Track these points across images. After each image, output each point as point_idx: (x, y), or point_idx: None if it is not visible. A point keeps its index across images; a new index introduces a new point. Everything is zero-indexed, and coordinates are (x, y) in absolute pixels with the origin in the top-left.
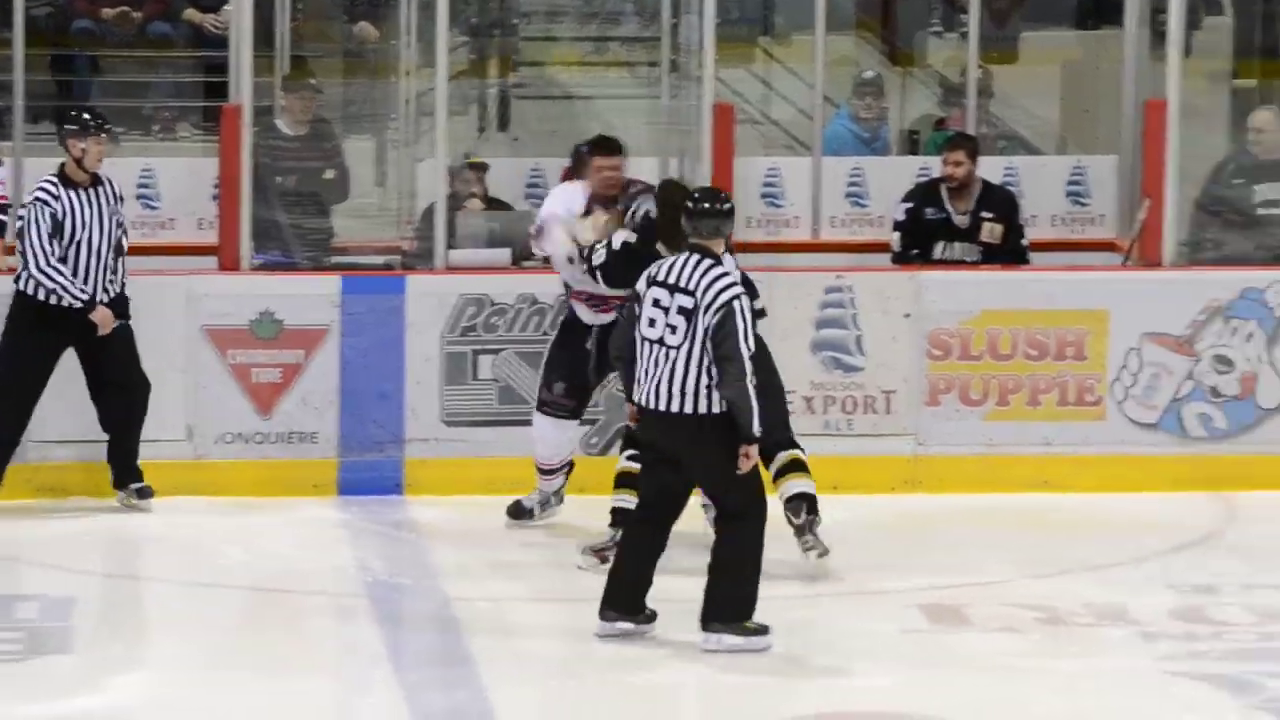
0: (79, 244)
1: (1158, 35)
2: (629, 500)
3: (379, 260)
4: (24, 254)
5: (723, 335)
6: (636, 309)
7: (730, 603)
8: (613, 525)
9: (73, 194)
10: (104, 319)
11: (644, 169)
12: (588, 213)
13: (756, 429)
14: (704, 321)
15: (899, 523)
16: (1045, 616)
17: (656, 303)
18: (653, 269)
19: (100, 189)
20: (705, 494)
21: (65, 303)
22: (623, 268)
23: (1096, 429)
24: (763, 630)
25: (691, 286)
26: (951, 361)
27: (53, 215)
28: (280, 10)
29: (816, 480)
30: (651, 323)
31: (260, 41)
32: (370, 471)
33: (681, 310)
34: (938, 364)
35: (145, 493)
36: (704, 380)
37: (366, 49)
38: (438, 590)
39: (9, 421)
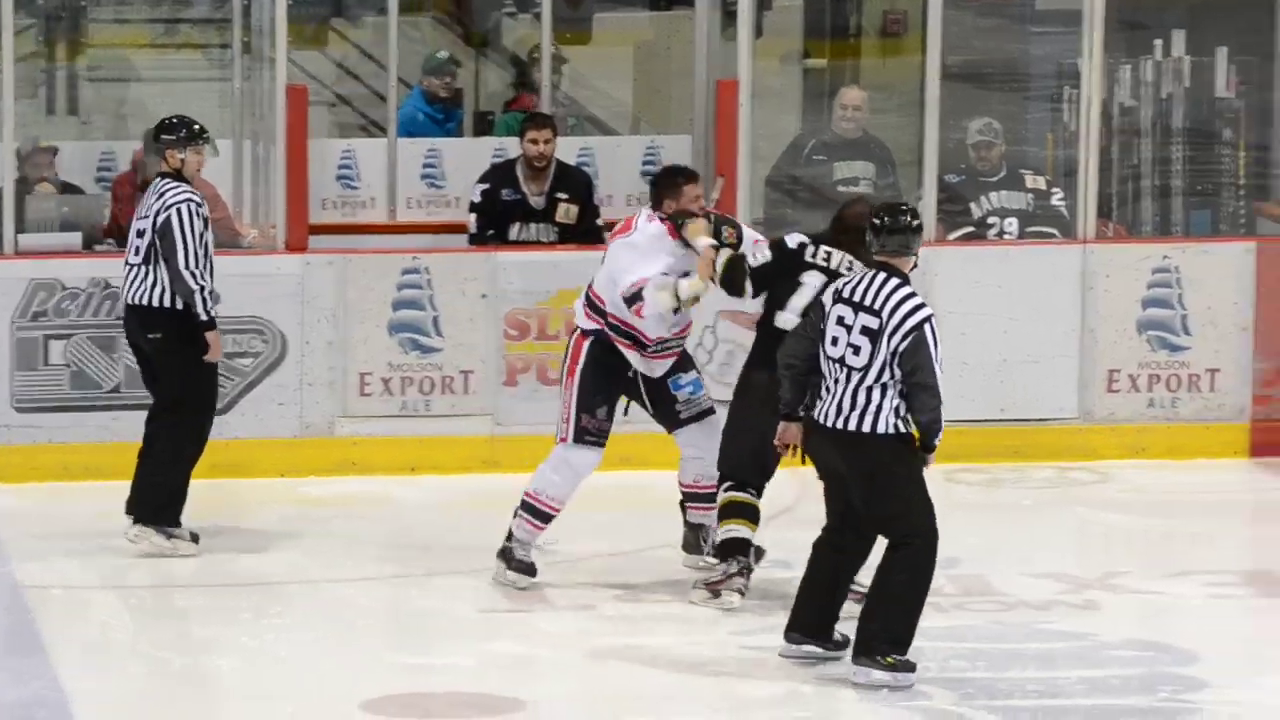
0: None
1: (729, 15)
2: (740, 530)
3: None
4: (171, 258)
5: (915, 363)
6: (821, 324)
7: (889, 635)
8: (723, 558)
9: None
10: (215, 344)
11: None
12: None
13: (937, 443)
14: (890, 344)
15: (477, 503)
16: (626, 594)
17: (840, 320)
18: (840, 284)
19: None
20: (872, 519)
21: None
22: (761, 278)
23: None
24: (911, 666)
25: (878, 306)
26: (529, 342)
27: (205, 218)
28: None
29: (395, 459)
30: (835, 341)
31: None
32: None
33: (866, 330)
34: (515, 344)
35: None
36: (886, 402)
37: None
38: (8, 577)
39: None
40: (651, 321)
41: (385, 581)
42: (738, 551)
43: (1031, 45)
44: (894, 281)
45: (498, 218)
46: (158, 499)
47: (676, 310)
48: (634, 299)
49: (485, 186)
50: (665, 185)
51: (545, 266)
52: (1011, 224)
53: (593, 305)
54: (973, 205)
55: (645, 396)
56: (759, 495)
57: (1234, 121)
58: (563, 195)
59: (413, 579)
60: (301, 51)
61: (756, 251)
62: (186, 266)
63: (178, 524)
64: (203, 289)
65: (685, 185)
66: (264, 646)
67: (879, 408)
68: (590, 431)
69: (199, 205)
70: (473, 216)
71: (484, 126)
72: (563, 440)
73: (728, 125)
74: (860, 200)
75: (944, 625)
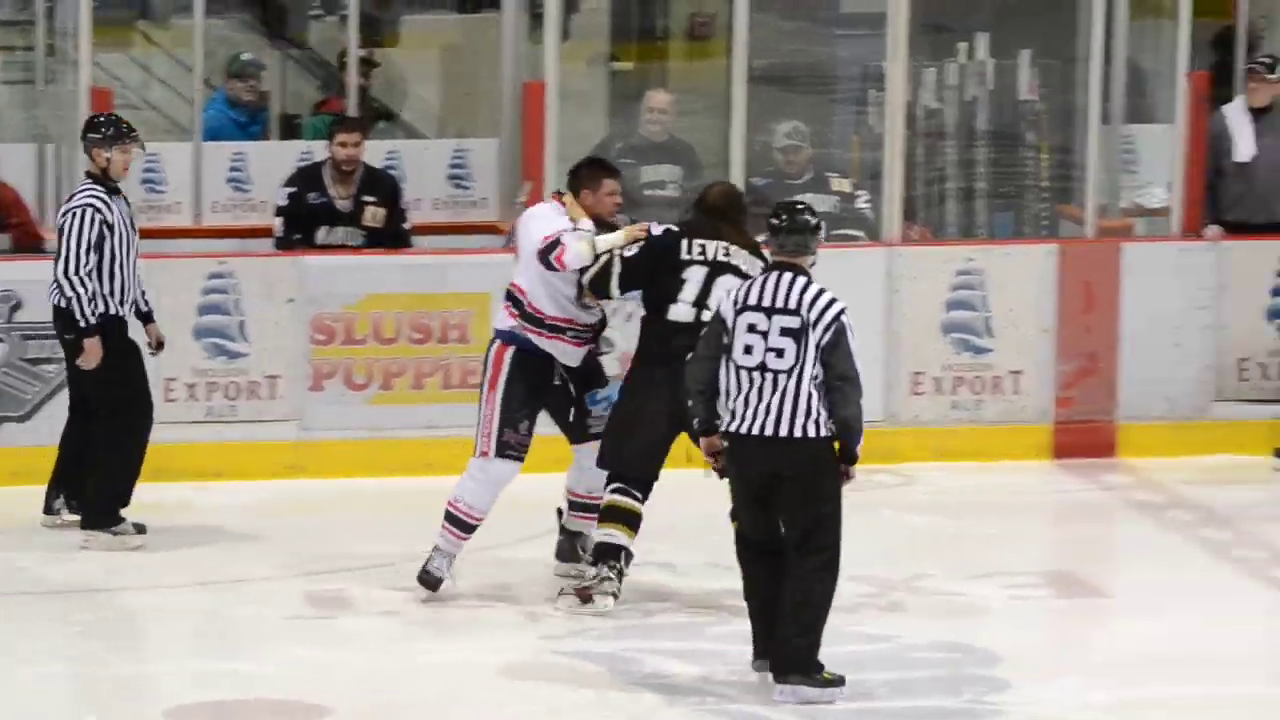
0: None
1: (536, 18)
2: (619, 536)
3: None
4: (56, 261)
5: (838, 355)
6: (724, 338)
7: (811, 650)
8: (597, 562)
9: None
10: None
11: (20, 156)
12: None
13: (859, 450)
14: (814, 340)
15: (283, 509)
16: (431, 599)
17: (752, 327)
18: (738, 293)
19: (124, 196)
20: (797, 525)
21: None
22: (636, 274)
23: None
24: (839, 681)
25: (794, 306)
26: (336, 346)
27: (103, 222)
28: None
29: (201, 464)
30: (749, 349)
31: None
32: None
33: (787, 331)
34: (322, 349)
35: None
36: (816, 404)
37: None
38: None
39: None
40: (570, 275)
41: (190, 588)
42: (612, 557)
43: (837, 48)
44: (802, 279)
45: (304, 221)
46: (102, 504)
47: (593, 263)
48: (552, 247)
49: (291, 190)
50: (586, 177)
51: (352, 270)
52: None
53: (512, 299)
54: None
55: (565, 408)
56: (644, 500)
57: (1037, 124)
58: (370, 199)
59: (218, 585)
60: (106, 54)
61: (626, 226)
62: (66, 272)
63: (120, 520)
64: (79, 296)
65: (605, 179)
66: (65, 655)
67: (809, 410)
68: (511, 445)
69: (97, 210)
70: (279, 220)
71: (291, 130)
72: (484, 454)
73: (535, 128)
74: (719, 182)
75: (747, 630)
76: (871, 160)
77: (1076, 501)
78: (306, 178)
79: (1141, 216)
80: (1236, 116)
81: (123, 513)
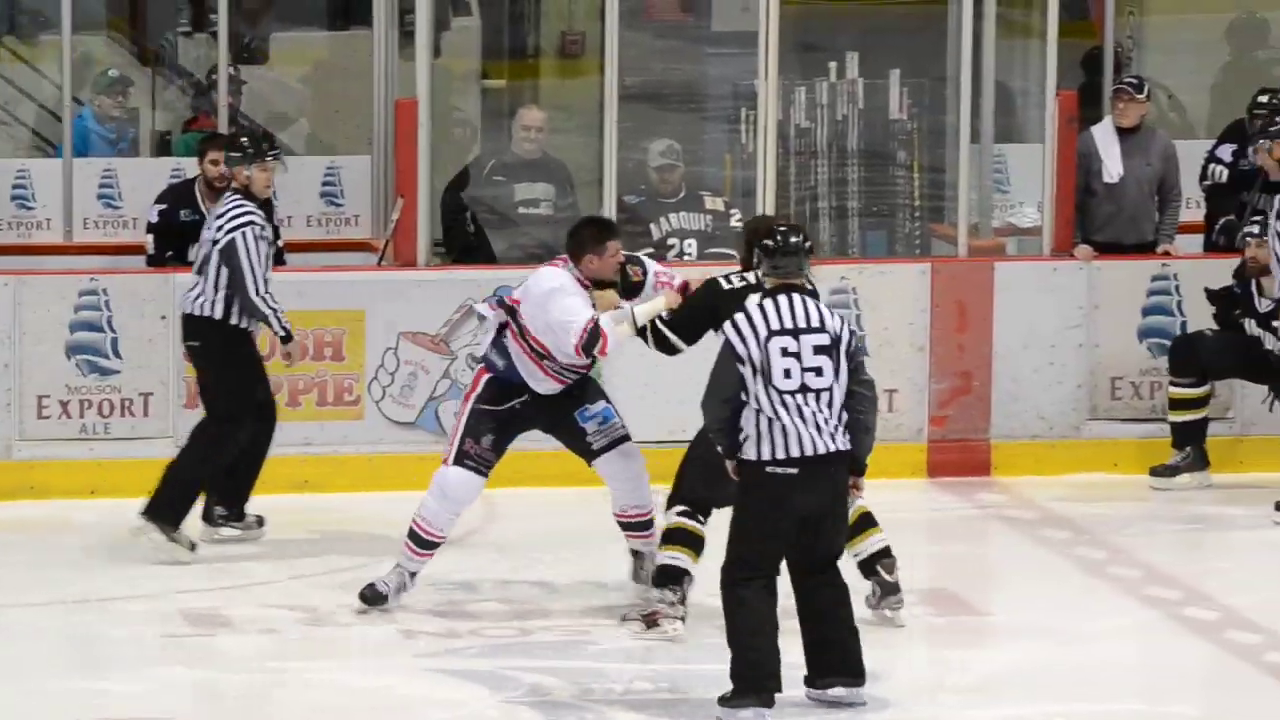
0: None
1: (407, 35)
2: (682, 559)
3: None
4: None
5: (859, 364)
6: (739, 368)
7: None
8: (662, 586)
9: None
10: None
11: None
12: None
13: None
14: (845, 353)
15: None
16: (306, 617)
17: (785, 351)
18: (753, 323)
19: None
20: (830, 541)
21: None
22: (701, 319)
23: (355, 428)
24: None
25: (817, 323)
26: None
27: (261, 235)
28: None
29: (74, 482)
30: (787, 373)
31: None
32: None
33: (820, 349)
34: None
35: None
36: (844, 415)
37: None
38: None
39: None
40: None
41: (63, 605)
42: (675, 581)
43: (708, 66)
44: (811, 298)
45: (177, 239)
46: (170, 496)
47: (640, 334)
48: (594, 338)
49: (162, 207)
50: (589, 240)
51: None
52: (691, 245)
53: (501, 346)
54: (652, 226)
55: (550, 428)
56: (705, 521)
57: (908, 143)
58: None
59: (93, 603)
60: None
61: (663, 292)
62: (256, 293)
63: (177, 527)
64: (275, 311)
65: (609, 241)
66: None
67: (840, 424)
68: (470, 456)
69: (260, 227)
70: (150, 237)
71: (162, 146)
72: (445, 462)
73: (407, 146)
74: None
75: (627, 646)
76: (744, 179)
77: (952, 519)
78: (178, 195)
79: (1013, 236)
80: (1104, 137)
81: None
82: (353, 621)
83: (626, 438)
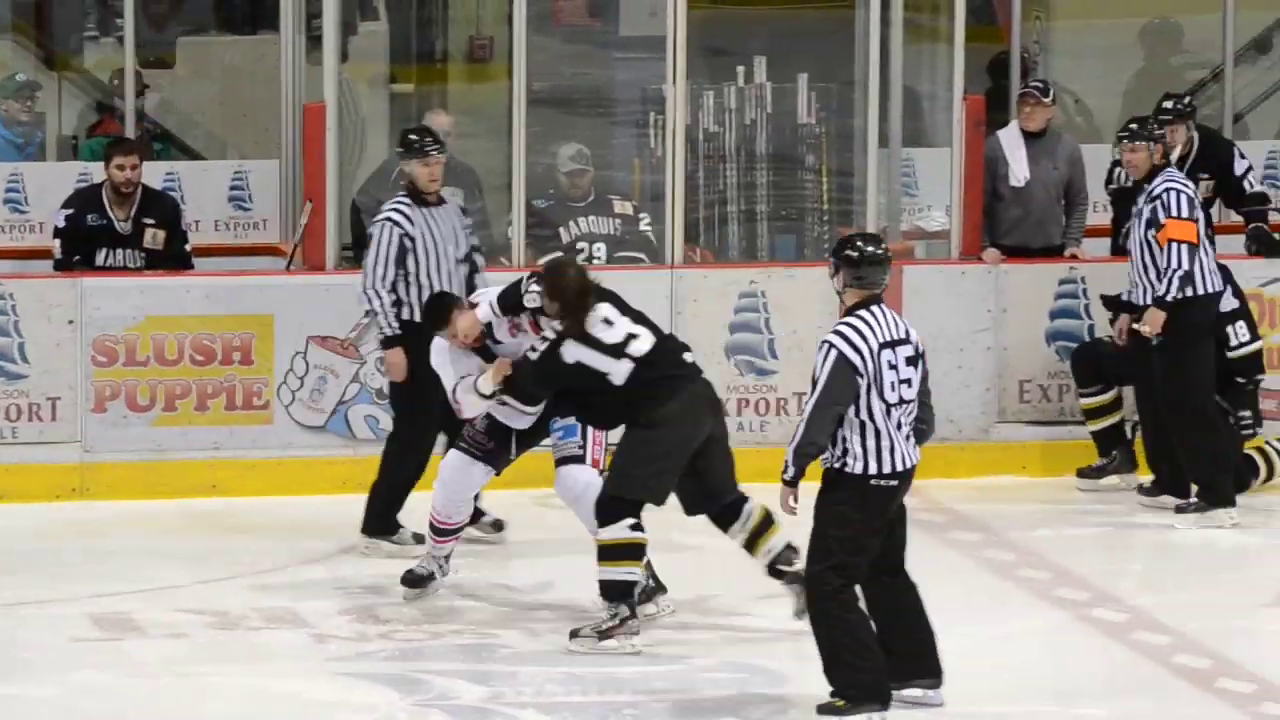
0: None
1: (314, 40)
2: (635, 573)
3: None
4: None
5: (925, 373)
6: (857, 381)
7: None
8: (614, 600)
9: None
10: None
11: None
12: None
13: None
14: (924, 364)
15: (66, 531)
16: (216, 621)
17: (891, 365)
18: (871, 335)
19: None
20: (902, 544)
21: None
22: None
23: (265, 432)
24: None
25: (902, 334)
26: (117, 368)
27: (403, 235)
28: None
29: None
30: (894, 385)
31: None
32: None
33: (910, 360)
34: (103, 370)
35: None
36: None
37: None
38: None
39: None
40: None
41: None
42: (625, 595)
43: (616, 71)
44: (890, 309)
45: (84, 243)
46: (374, 509)
47: (490, 396)
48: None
49: (69, 212)
50: (437, 320)
51: (133, 292)
52: (600, 249)
53: None
54: (561, 230)
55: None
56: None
57: (816, 147)
58: (150, 220)
59: (0, 608)
60: None
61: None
62: (371, 285)
63: (395, 529)
64: (384, 311)
65: (451, 317)
66: None
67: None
68: (465, 438)
69: (395, 225)
70: (57, 242)
71: (68, 151)
72: None
73: (315, 150)
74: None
75: (537, 650)
76: (653, 183)
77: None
78: (85, 199)
79: (921, 239)
80: (1011, 141)
81: None
82: (262, 626)
83: (573, 459)
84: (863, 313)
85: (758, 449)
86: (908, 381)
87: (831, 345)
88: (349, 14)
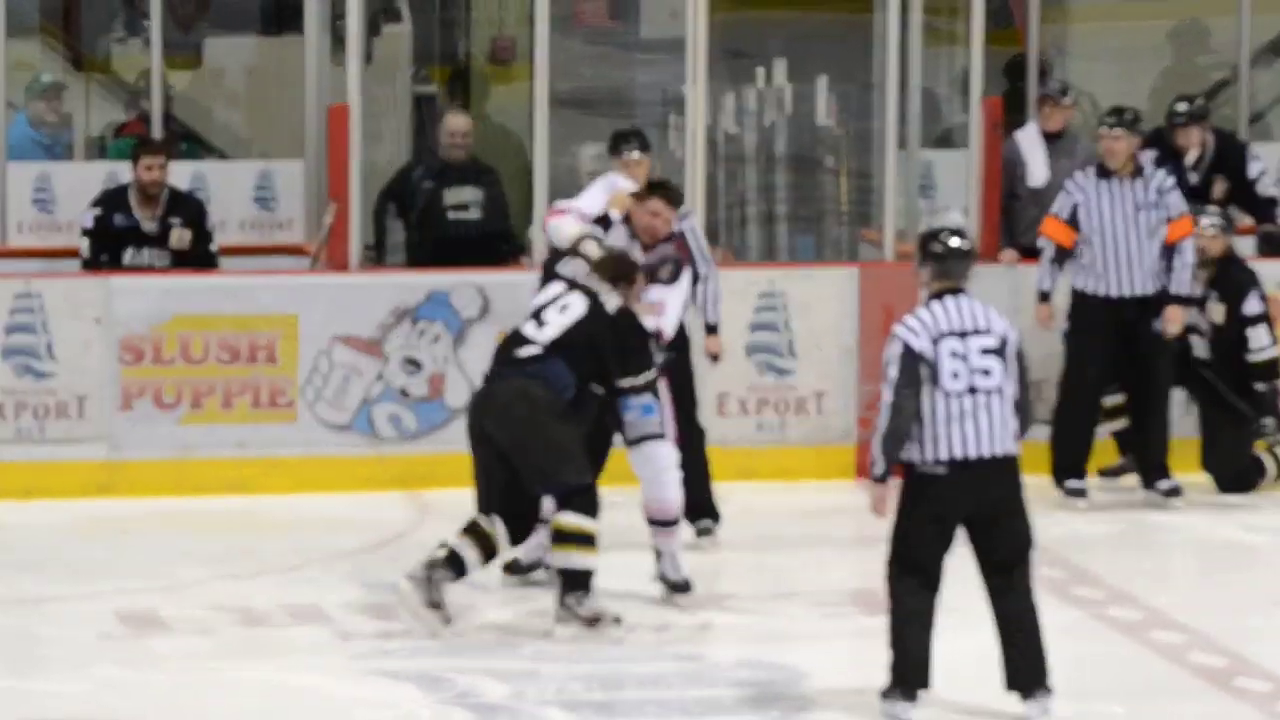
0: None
1: (338, 41)
2: (589, 559)
3: None
4: None
5: (1024, 369)
6: (920, 369)
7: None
8: (573, 591)
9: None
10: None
11: None
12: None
13: None
14: (1011, 357)
15: (93, 528)
16: (241, 618)
17: (954, 353)
18: (936, 325)
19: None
20: (1005, 545)
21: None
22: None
23: (289, 431)
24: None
25: (984, 326)
26: (145, 366)
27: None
28: None
29: (9, 484)
30: (955, 375)
31: None
32: None
33: (987, 351)
34: (130, 369)
35: None
36: (1012, 419)
37: None
38: None
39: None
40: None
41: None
42: (584, 585)
43: (637, 73)
44: (978, 302)
45: (111, 243)
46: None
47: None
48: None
49: (97, 212)
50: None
51: (160, 291)
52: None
53: None
54: None
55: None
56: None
57: (835, 149)
58: (176, 220)
59: (27, 603)
60: None
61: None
62: None
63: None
64: None
65: (651, 197)
66: None
67: (1006, 426)
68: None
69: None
70: (85, 241)
71: (96, 151)
72: None
73: (339, 151)
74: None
75: (561, 649)
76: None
77: (879, 521)
78: (112, 200)
79: None
80: (1029, 142)
81: None
82: (287, 623)
83: (656, 436)
84: (934, 303)
85: (777, 448)
86: (984, 371)
87: (894, 334)
88: (373, 16)
